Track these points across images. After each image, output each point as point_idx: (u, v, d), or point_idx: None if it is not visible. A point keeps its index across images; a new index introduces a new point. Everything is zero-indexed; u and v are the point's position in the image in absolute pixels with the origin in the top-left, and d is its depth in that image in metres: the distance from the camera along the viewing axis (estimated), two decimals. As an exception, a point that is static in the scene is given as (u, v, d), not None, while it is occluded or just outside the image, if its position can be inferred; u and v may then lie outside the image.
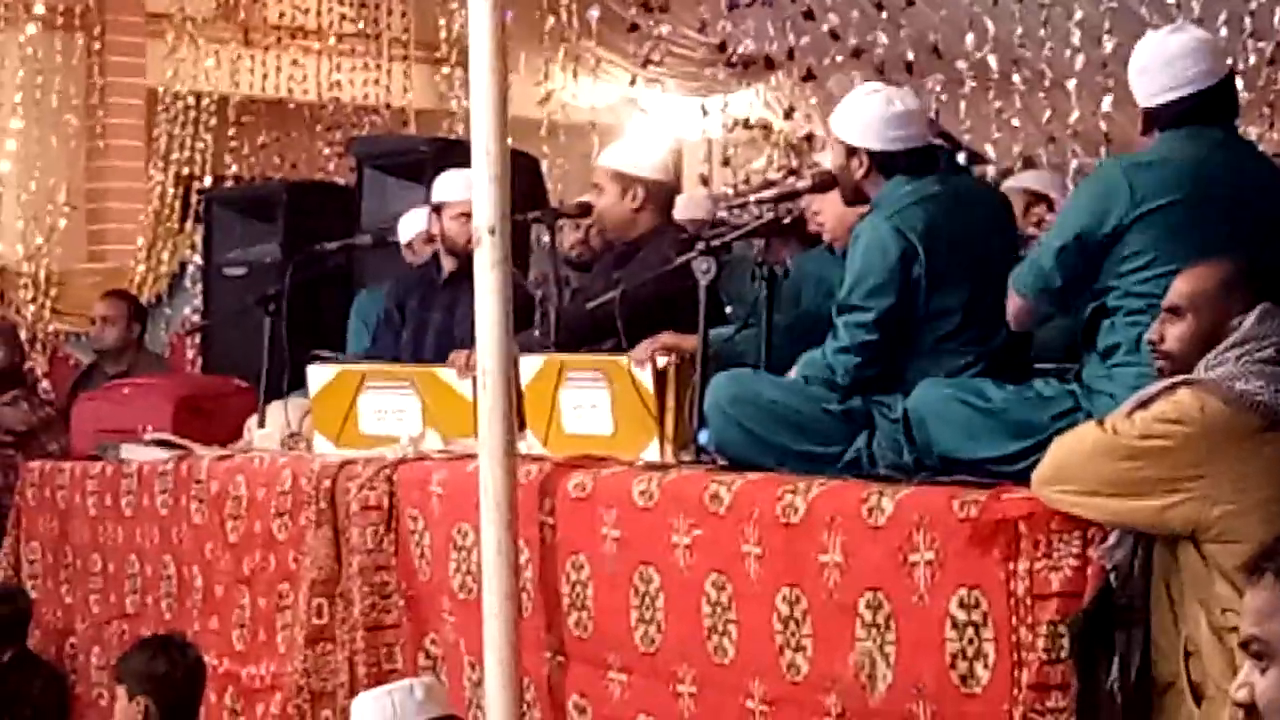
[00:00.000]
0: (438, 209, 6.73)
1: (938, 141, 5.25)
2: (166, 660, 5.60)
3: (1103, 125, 8.19)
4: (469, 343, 5.84)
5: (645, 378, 5.35)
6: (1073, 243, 4.45)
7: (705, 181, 10.54)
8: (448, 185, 6.71)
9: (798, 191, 5.73)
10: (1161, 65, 4.51)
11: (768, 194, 6.12)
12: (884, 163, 4.99)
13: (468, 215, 6.45)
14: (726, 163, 10.73)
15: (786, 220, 6.37)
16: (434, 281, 6.73)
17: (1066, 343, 4.90)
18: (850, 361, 4.86)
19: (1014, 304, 4.64)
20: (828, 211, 5.41)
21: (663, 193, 6.08)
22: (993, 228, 5.08)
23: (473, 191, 5.00)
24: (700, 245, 5.36)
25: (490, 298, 4.94)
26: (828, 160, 5.48)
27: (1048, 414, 4.37)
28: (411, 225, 7.19)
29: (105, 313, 8.69)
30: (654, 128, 11.59)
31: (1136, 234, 4.36)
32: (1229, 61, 4.79)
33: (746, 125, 10.85)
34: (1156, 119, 4.53)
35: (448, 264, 6.67)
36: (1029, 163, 8.55)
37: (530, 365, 5.58)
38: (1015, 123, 8.75)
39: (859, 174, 5.02)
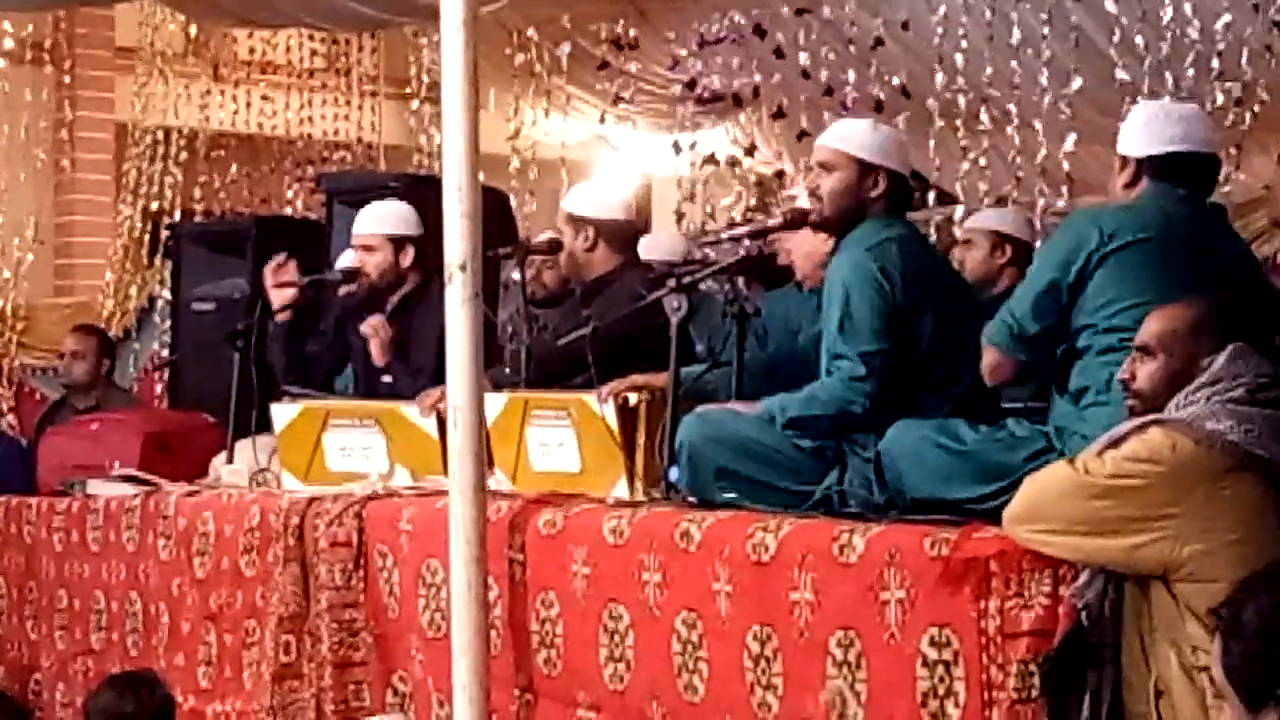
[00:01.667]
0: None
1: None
2: (135, 699, 5.56)
3: (1065, 165, 8.22)
4: (410, 377, 5.87)
5: (610, 415, 5.35)
6: (1046, 290, 4.48)
7: (679, 218, 10.54)
8: (357, 220, 6.77)
9: (769, 229, 5.73)
10: (1166, 119, 4.62)
11: (739, 231, 6.12)
12: (896, 187, 5.01)
13: (365, 248, 6.55)
14: (691, 198, 10.75)
15: (757, 256, 6.38)
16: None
17: (1035, 383, 4.92)
18: (867, 389, 4.81)
19: (990, 359, 4.63)
20: (798, 250, 5.42)
21: (618, 231, 6.13)
22: (950, 269, 5.14)
23: (445, 227, 5.00)
24: (671, 283, 5.36)
25: (461, 334, 4.93)
26: (802, 195, 5.49)
27: (1021, 455, 4.37)
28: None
29: (75, 347, 8.64)
30: (623, 165, 11.60)
31: (1105, 271, 4.40)
32: (1196, 103, 4.90)
33: (713, 161, 10.86)
34: (1147, 166, 4.58)
35: (394, 298, 6.68)
36: (999, 201, 8.57)
37: (495, 403, 5.57)
38: (983, 162, 8.78)
39: (872, 193, 5.00)
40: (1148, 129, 4.60)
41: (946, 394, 4.85)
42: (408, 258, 6.64)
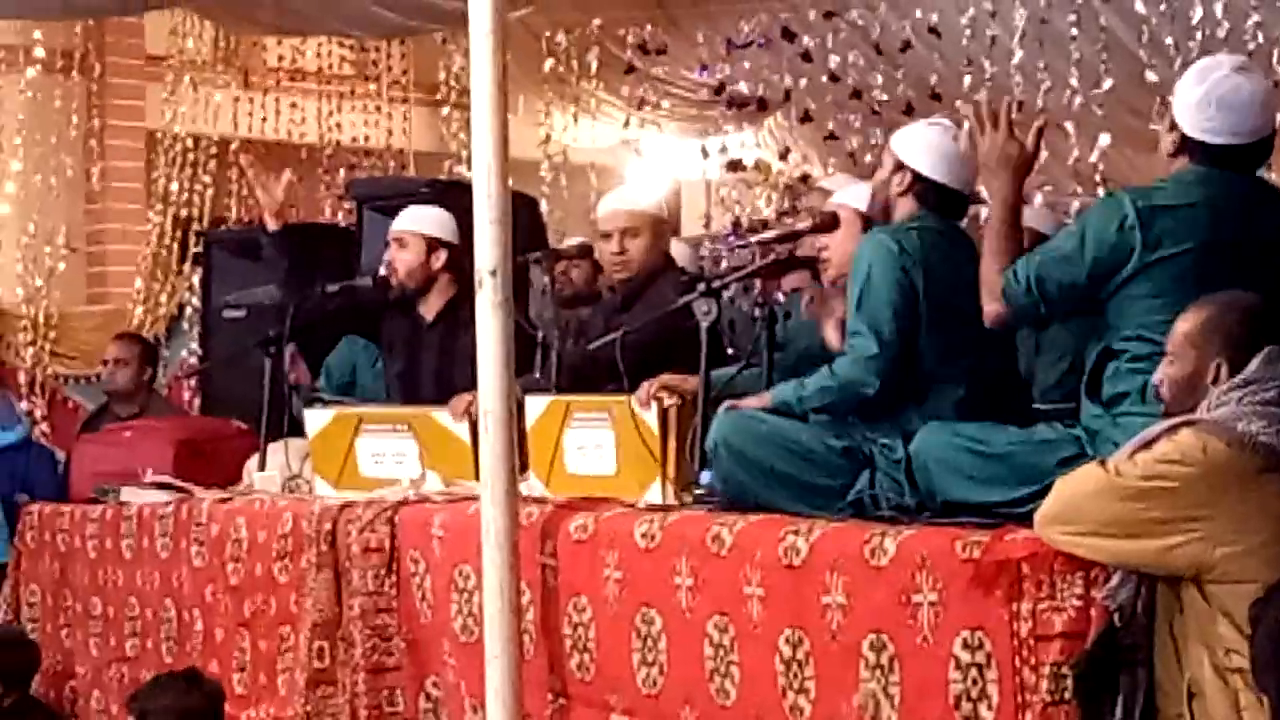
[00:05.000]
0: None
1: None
2: (199, 694, 5.69)
3: (1099, 165, 8.22)
4: (464, 383, 5.87)
5: (650, 418, 5.36)
6: (1076, 273, 4.43)
7: (707, 222, 10.57)
8: (397, 217, 6.83)
9: (799, 232, 5.73)
10: (1226, 107, 4.43)
11: (768, 235, 6.12)
12: (922, 189, 5.01)
13: (398, 242, 6.59)
14: (723, 202, 10.77)
15: (786, 260, 6.38)
16: (419, 322, 6.74)
17: (1062, 390, 4.90)
18: (880, 366, 4.81)
19: (996, 312, 4.58)
20: (834, 249, 5.41)
21: (667, 230, 6.16)
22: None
23: (475, 232, 5.00)
24: (701, 286, 5.38)
25: (492, 339, 4.94)
26: (835, 186, 5.48)
27: (1053, 459, 4.34)
28: None
29: (118, 355, 8.62)
30: (653, 169, 11.61)
31: (1146, 279, 4.35)
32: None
33: (738, 167, 10.87)
34: (1194, 151, 4.46)
35: (435, 302, 6.70)
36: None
37: (536, 405, 5.59)
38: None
39: (896, 190, 5.04)
40: (1207, 113, 4.43)
41: (970, 390, 4.83)
42: (439, 260, 6.66)
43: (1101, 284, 4.41)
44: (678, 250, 7.48)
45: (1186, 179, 4.46)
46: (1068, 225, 6.85)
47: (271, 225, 6.96)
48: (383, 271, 6.83)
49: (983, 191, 5.01)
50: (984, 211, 8.17)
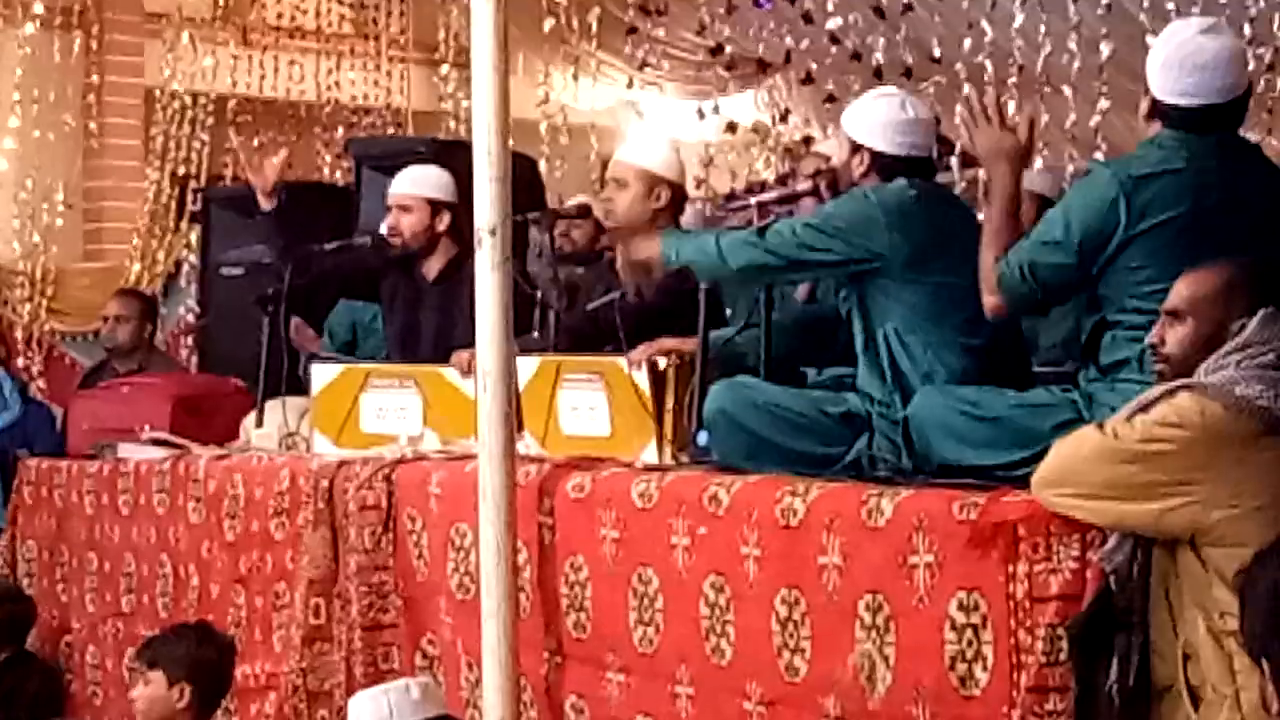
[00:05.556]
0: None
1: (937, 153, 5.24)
2: (213, 647, 5.74)
3: (1098, 130, 8.22)
4: (464, 343, 5.87)
5: (641, 380, 5.35)
6: (1065, 255, 4.41)
7: (699, 184, 10.56)
8: (395, 181, 6.81)
9: (798, 194, 5.73)
10: (1191, 68, 4.40)
11: (767, 196, 6.11)
12: (884, 165, 5.00)
13: (401, 209, 6.57)
14: (710, 164, 10.77)
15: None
16: (420, 281, 6.73)
17: (1065, 349, 4.88)
18: (760, 255, 4.95)
19: (994, 303, 4.58)
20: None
21: (680, 196, 6.14)
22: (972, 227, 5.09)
23: (475, 192, 4.99)
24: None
25: (490, 299, 4.94)
26: (831, 151, 5.51)
27: (1049, 423, 4.34)
28: None
29: (119, 311, 8.61)
30: (654, 129, 11.60)
31: (1135, 250, 4.33)
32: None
33: (731, 128, 10.86)
34: (1167, 115, 4.44)
35: (436, 262, 6.69)
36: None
37: (527, 366, 5.58)
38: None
39: (858, 172, 5.04)
40: (1173, 75, 4.40)
41: (971, 349, 4.84)
42: (442, 223, 6.65)
43: (1092, 261, 4.39)
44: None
45: (1166, 145, 4.44)
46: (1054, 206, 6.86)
47: (264, 205, 6.94)
48: (383, 231, 6.82)
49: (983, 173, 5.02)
50: (982, 173, 8.22)
